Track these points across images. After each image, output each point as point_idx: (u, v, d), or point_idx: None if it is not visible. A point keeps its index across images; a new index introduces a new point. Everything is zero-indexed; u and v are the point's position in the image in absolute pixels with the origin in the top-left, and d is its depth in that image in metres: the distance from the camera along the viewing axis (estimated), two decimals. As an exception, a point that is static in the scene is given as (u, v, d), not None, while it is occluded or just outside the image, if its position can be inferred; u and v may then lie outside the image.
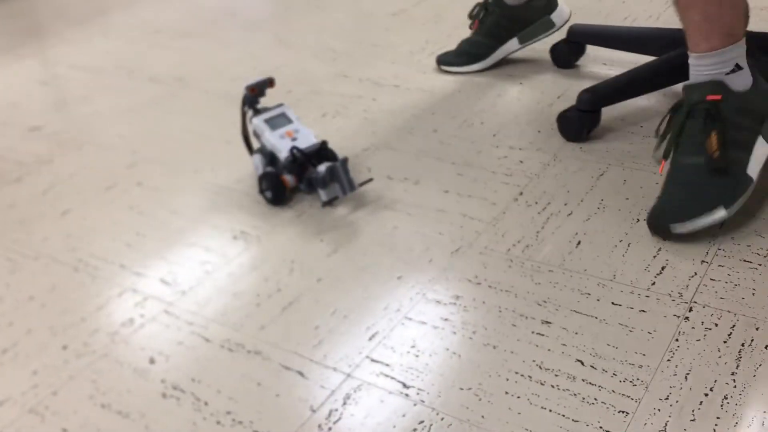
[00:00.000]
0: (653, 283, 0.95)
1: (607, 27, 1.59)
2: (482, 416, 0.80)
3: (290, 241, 1.11)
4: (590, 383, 0.82)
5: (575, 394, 0.81)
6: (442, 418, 0.80)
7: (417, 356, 0.88)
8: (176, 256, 1.10)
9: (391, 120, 1.45)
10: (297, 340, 0.92)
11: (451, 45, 1.69)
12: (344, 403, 0.83)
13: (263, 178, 1.19)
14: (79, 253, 1.13)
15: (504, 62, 1.61)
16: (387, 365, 0.87)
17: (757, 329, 0.87)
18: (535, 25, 1.52)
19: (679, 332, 0.87)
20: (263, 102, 1.43)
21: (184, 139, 1.46)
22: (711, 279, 0.95)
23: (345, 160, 1.15)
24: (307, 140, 1.20)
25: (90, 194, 1.30)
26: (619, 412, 0.78)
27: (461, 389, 0.83)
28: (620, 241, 1.03)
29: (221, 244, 1.12)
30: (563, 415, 0.79)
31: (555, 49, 1.57)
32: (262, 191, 1.19)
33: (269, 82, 1.24)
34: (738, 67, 1.00)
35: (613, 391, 0.81)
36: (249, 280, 1.04)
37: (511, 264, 1.01)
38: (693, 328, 0.88)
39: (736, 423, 0.75)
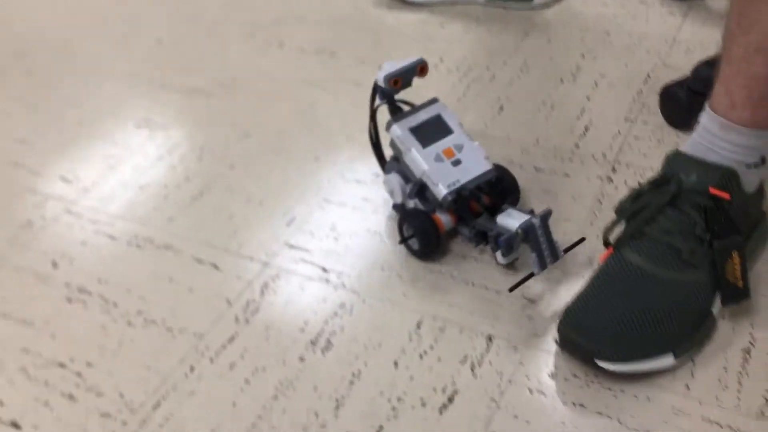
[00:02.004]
0: (577, 146, 0.92)
1: None
2: (404, 294, 0.77)
3: (198, 125, 1.04)
4: (513, 253, 0.80)
5: (497, 265, 0.79)
6: (364, 300, 0.77)
7: (337, 239, 0.85)
8: (76, 151, 1.02)
9: (303, -12, 1.34)
10: (209, 231, 0.87)
11: None
12: (262, 293, 0.79)
13: (406, 220, 0.80)
14: (-31, 155, 1.04)
15: None
16: (306, 251, 0.84)
17: (679, 186, 0.85)
18: None
19: (602, 194, 0.85)
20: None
21: (81, 19, 1.33)
22: (635, 137, 0.92)
23: (546, 215, 0.75)
24: (475, 165, 0.79)
25: (-24, 89, 1.18)
26: (543, 280, 0.77)
27: (383, 269, 0.80)
28: (543, 103, 0.99)
29: (124, 135, 1.04)
30: (486, 287, 0.77)
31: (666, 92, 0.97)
32: (404, 239, 0.81)
33: (419, 68, 0.80)
34: (762, 161, 0.72)
35: (536, 259, 0.79)
36: (155, 170, 0.97)
37: (432, 135, 0.97)
38: (616, 188, 0.86)
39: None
